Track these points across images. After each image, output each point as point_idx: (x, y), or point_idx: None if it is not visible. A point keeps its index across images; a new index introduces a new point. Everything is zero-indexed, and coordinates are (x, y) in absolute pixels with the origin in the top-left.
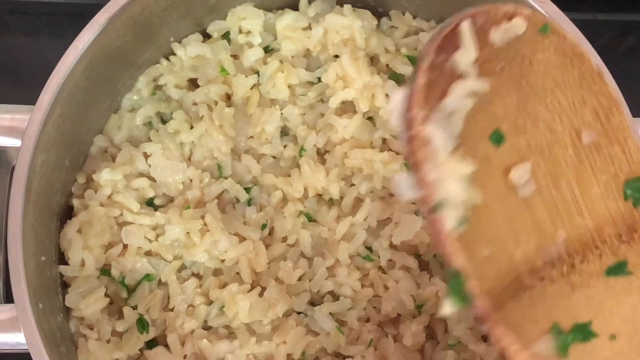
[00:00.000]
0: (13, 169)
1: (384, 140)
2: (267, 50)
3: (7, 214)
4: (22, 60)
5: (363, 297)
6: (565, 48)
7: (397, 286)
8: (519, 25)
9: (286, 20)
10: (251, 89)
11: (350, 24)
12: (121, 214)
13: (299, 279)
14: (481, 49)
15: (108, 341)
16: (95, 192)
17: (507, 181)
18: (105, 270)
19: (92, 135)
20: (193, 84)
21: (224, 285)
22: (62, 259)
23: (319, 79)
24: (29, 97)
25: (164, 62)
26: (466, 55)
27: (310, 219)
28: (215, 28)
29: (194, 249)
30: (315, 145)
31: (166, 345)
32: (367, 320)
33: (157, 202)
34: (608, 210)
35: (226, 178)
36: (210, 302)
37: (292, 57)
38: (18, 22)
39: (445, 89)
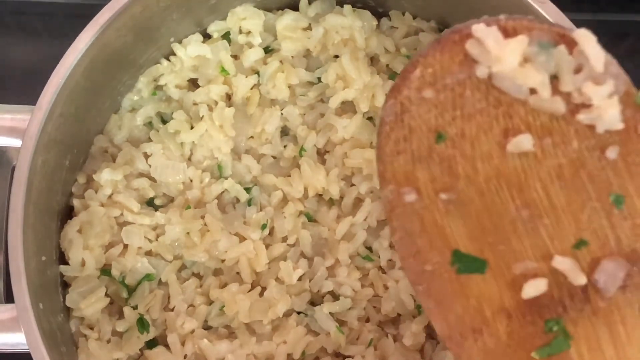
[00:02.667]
0: (13, 169)
1: None
2: (267, 50)
3: (8, 213)
4: (22, 60)
5: (363, 297)
6: None
7: (397, 286)
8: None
9: (286, 21)
10: (251, 89)
11: (350, 24)
12: (121, 214)
13: (299, 279)
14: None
15: (108, 341)
16: (96, 192)
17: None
18: (105, 270)
19: (92, 135)
20: (193, 84)
21: (224, 285)
22: (63, 259)
23: (319, 79)
24: (29, 97)
25: (164, 62)
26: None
27: (310, 219)
28: (215, 28)
29: (194, 249)
30: (315, 145)
31: (166, 345)
32: (367, 320)
33: (157, 202)
34: None
35: (226, 178)
36: (210, 302)
37: (292, 57)
38: (18, 22)
39: None
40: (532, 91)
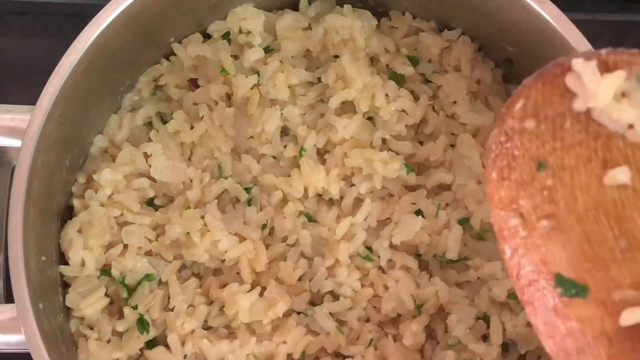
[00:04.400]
0: (13, 169)
1: (384, 140)
2: (267, 50)
3: (8, 214)
4: (22, 60)
5: (363, 297)
6: None
7: (397, 286)
8: None
9: (286, 21)
10: (251, 89)
11: (350, 24)
12: (121, 214)
13: (299, 279)
14: None
15: (108, 341)
16: (96, 192)
17: None
18: (105, 270)
19: (92, 135)
20: (193, 84)
21: (224, 285)
22: (63, 259)
23: (319, 79)
24: (29, 97)
25: (164, 62)
26: None
27: (310, 219)
28: (215, 28)
29: (194, 249)
30: (315, 145)
31: (166, 345)
32: (367, 320)
33: (157, 202)
34: None
35: (226, 178)
36: (210, 302)
37: (292, 57)
38: (18, 22)
39: None
40: (630, 126)
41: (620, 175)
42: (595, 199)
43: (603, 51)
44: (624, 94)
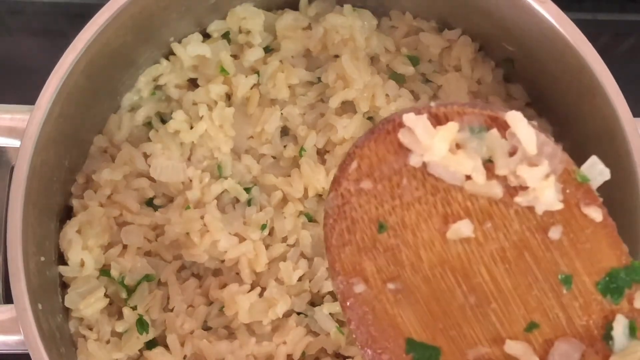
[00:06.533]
0: (13, 169)
1: None
2: (267, 50)
3: (7, 214)
4: (22, 60)
5: None
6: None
7: None
8: None
9: (286, 20)
10: (251, 88)
11: (351, 24)
12: (121, 214)
13: (299, 279)
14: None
15: (108, 342)
16: (95, 192)
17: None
18: (104, 271)
19: (91, 135)
20: (193, 84)
21: (223, 286)
22: (62, 259)
23: (319, 79)
24: (28, 97)
25: (164, 62)
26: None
27: (310, 219)
28: (215, 28)
29: (194, 249)
30: (315, 145)
31: (166, 346)
32: None
33: (156, 202)
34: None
35: (226, 178)
36: (209, 303)
37: (292, 57)
38: (18, 22)
39: None
40: (468, 177)
41: (463, 228)
42: (440, 256)
43: (432, 104)
44: (458, 146)
